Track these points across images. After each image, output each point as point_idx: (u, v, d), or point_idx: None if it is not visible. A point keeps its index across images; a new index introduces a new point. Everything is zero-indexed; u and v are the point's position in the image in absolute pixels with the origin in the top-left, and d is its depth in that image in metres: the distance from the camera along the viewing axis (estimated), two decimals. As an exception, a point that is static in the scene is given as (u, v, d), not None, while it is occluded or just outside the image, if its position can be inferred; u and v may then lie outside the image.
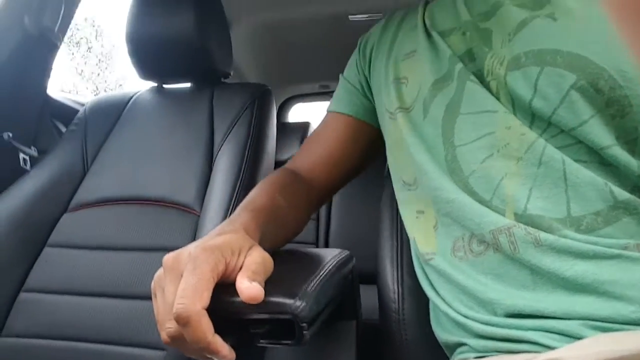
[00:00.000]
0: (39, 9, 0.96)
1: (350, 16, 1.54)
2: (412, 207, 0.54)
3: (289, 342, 0.36)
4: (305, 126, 1.89)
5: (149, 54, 0.96)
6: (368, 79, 0.66)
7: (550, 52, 0.43)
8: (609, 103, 0.40)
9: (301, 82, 2.06)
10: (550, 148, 0.41)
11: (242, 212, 0.49)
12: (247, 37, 1.62)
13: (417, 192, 0.53)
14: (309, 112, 2.52)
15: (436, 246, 0.49)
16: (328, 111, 0.70)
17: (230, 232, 0.42)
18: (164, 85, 1.06)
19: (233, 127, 0.90)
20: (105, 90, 10.24)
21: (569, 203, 0.40)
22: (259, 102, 0.92)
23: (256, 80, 1.88)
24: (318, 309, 0.40)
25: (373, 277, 0.65)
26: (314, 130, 0.71)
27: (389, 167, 0.61)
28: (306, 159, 0.67)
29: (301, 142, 1.85)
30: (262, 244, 0.43)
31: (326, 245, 1.66)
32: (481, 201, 0.44)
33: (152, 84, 1.07)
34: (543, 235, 0.40)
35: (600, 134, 0.40)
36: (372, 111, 0.66)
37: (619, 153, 0.39)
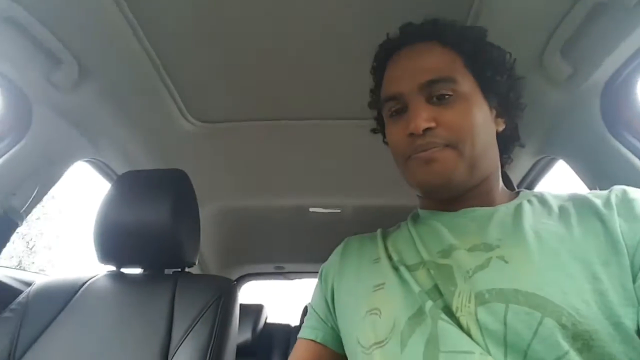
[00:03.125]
0: (11, 191, 0.97)
1: (310, 208, 1.68)
2: None
3: None
4: (259, 309, 1.83)
5: (115, 239, 0.96)
6: (331, 308, 0.68)
7: (510, 291, 0.48)
8: (575, 337, 0.44)
9: (257, 262, 2.08)
10: None
11: None
12: (210, 218, 1.68)
13: None
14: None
15: None
16: (299, 337, 0.72)
17: None
18: (123, 270, 1.03)
19: (195, 324, 0.85)
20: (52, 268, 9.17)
21: None
22: (224, 299, 0.90)
23: (214, 257, 1.87)
24: None
25: None
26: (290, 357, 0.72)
27: None
28: None
29: (254, 324, 1.76)
30: None
31: None
32: None
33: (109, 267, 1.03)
34: None
35: None
36: (336, 339, 0.67)
37: None
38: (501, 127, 0.67)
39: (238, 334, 1.66)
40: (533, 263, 0.50)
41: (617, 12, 0.70)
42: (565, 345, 0.44)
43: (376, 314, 0.57)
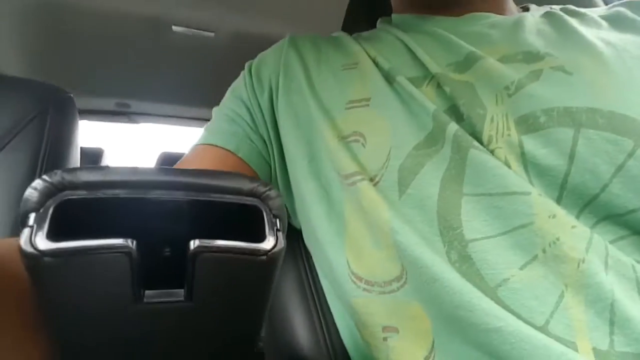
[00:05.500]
0: None
1: (173, 27, 1.26)
2: (375, 319, 0.34)
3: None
4: (97, 153, 1.43)
5: None
6: (267, 117, 0.46)
7: (584, 110, 0.32)
8: None
9: (91, 95, 1.58)
10: (612, 248, 0.30)
11: None
12: (16, 17, 1.13)
13: (398, 293, 0.33)
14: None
15: None
16: (197, 144, 0.47)
17: None
18: None
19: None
20: None
21: None
22: (53, 116, 0.55)
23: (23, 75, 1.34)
24: None
25: None
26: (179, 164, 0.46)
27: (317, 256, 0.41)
28: None
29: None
30: None
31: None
32: (531, 326, 0.28)
33: None
34: None
35: None
36: (261, 158, 0.46)
37: None
38: None
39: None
40: (612, 73, 0.34)
41: None
42: None
43: (357, 141, 0.38)
